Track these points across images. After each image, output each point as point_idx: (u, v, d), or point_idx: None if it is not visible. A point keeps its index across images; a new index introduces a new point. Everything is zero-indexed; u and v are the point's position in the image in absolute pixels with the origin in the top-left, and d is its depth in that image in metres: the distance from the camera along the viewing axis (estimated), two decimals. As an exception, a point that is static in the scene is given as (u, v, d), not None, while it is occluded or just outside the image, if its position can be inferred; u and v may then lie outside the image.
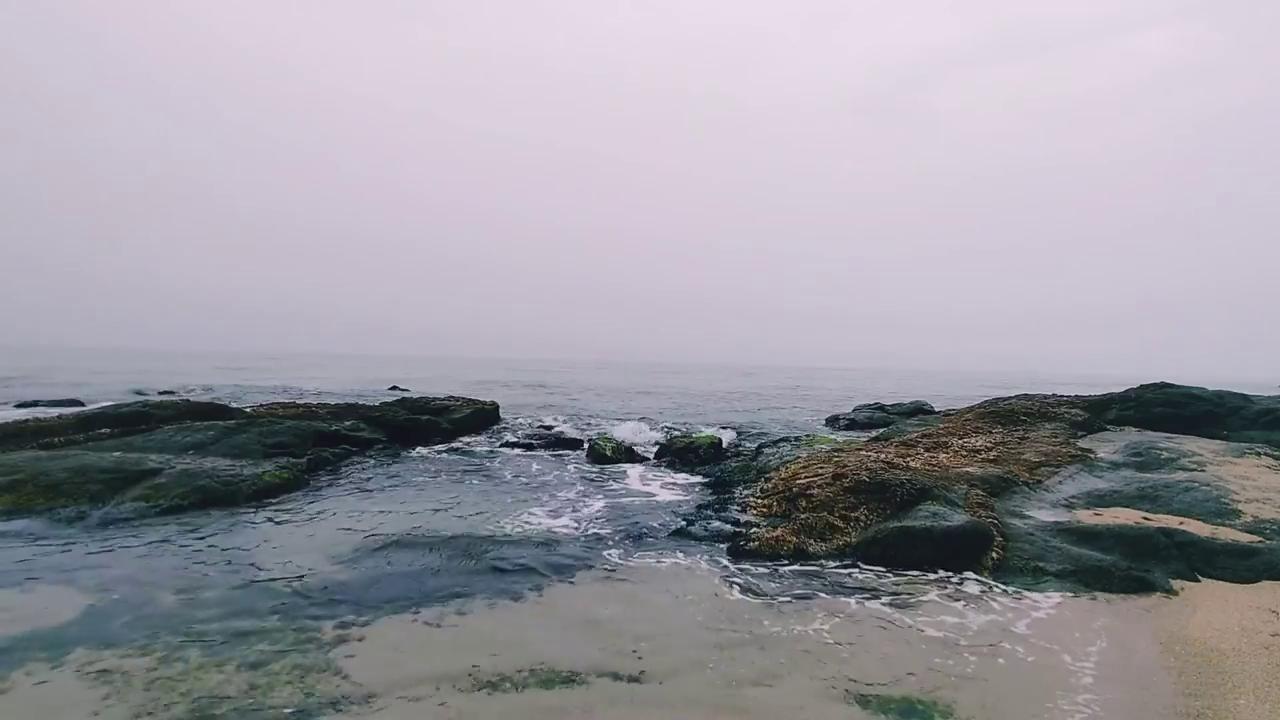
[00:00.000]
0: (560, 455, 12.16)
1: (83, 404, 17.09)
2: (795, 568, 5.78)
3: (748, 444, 13.99)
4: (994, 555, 5.73)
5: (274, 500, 7.73)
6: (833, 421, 20.02)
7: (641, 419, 19.89)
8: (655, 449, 12.85)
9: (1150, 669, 3.94)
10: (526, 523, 7.06)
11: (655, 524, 7.18)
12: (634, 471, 10.66)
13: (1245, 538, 6.05)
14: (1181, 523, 6.43)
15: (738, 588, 5.24)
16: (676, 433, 14.66)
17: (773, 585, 5.31)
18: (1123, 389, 13.82)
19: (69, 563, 5.36)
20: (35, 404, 17.54)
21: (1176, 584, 5.37)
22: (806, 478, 7.72)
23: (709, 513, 7.56)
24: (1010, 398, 15.09)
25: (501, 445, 12.83)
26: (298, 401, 15.04)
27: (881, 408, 21.23)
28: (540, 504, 8.03)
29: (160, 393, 21.20)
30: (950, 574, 5.57)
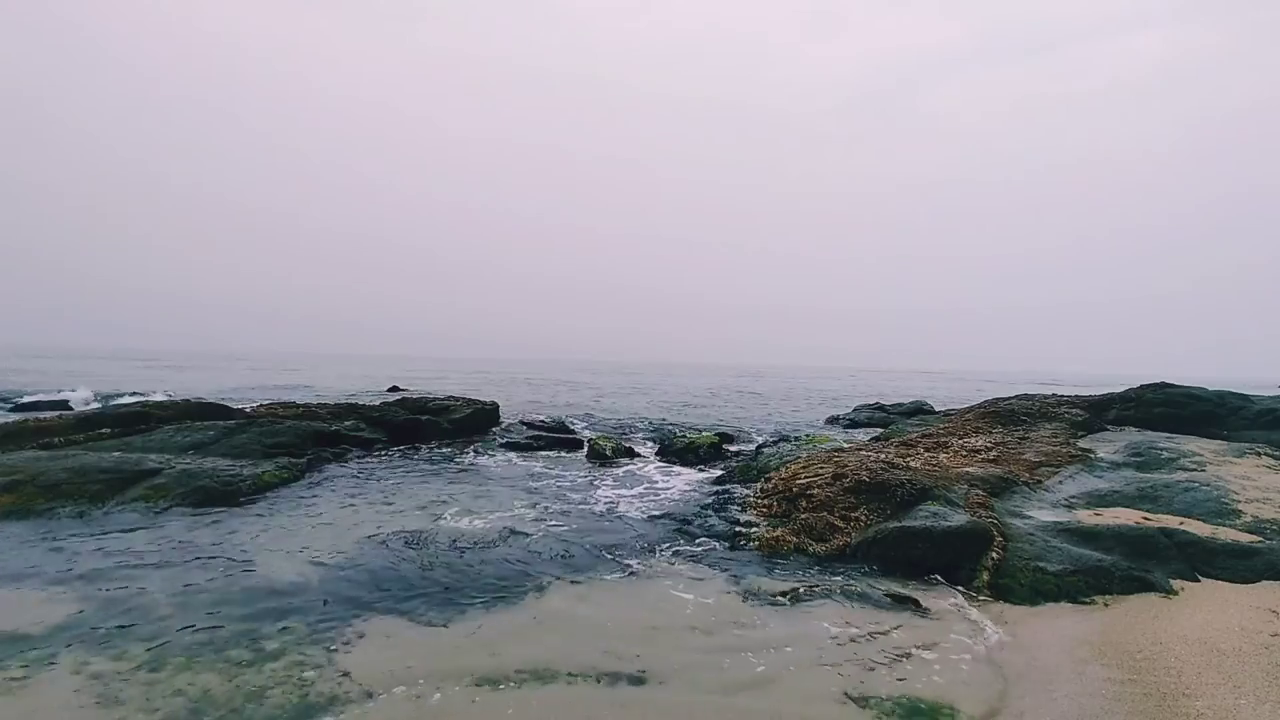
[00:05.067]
0: (560, 455, 12.16)
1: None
2: (795, 568, 5.78)
3: (747, 444, 14.00)
4: (994, 555, 5.72)
5: (274, 500, 7.72)
6: (833, 421, 20.03)
7: (641, 418, 19.90)
8: (655, 449, 12.86)
9: (1150, 669, 3.94)
10: (526, 523, 7.06)
11: (654, 524, 7.17)
12: (634, 472, 10.66)
13: (1245, 538, 6.04)
14: (1182, 523, 6.43)
15: (738, 588, 5.24)
16: (676, 433, 14.66)
17: (773, 586, 5.30)
18: (1123, 389, 13.81)
19: (68, 563, 5.36)
20: (36, 404, 17.55)
21: (1177, 584, 5.36)
22: (806, 478, 7.72)
23: (709, 513, 7.56)
24: (1010, 398, 15.08)
25: (502, 445, 12.83)
26: (298, 401, 15.03)
27: (881, 408, 21.24)
28: (539, 504, 8.02)
29: (160, 393, 21.18)
30: (950, 574, 5.57)
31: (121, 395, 19.99)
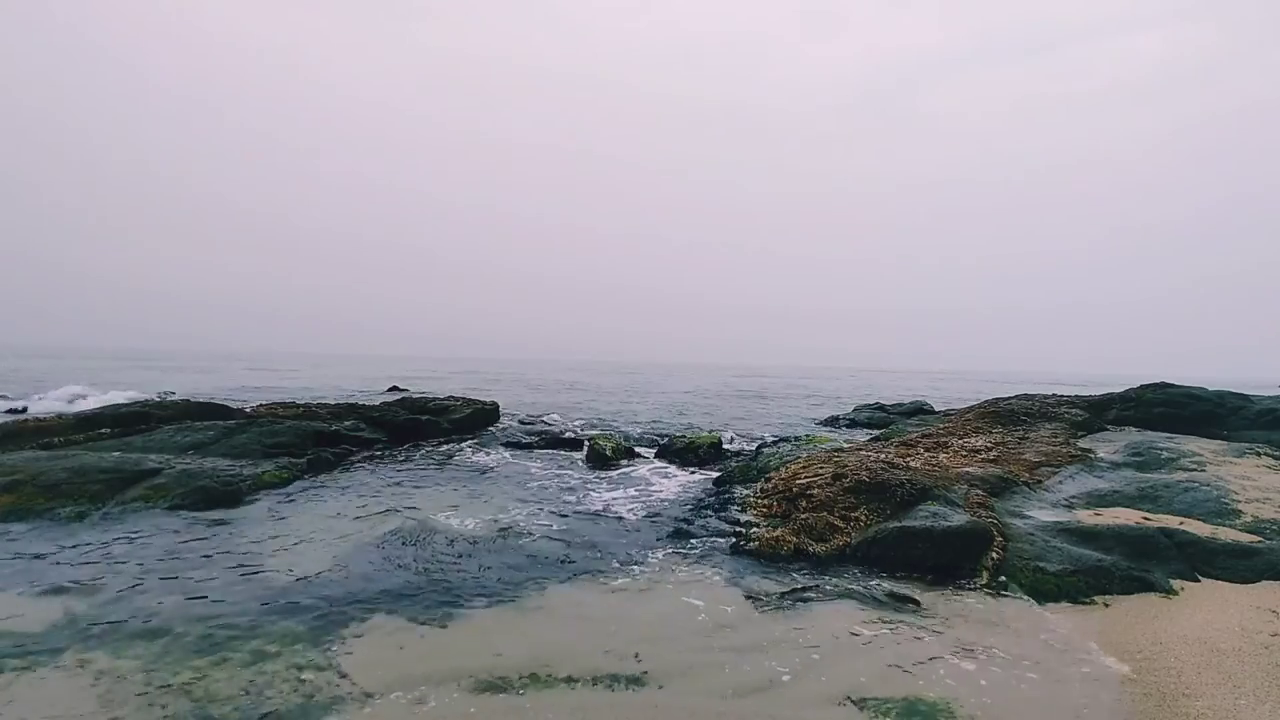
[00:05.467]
0: (560, 455, 12.16)
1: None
2: (795, 568, 5.78)
3: (747, 444, 14.00)
4: (994, 555, 5.72)
5: (274, 500, 7.72)
6: (833, 421, 20.03)
7: (641, 418, 19.91)
8: (655, 449, 12.86)
9: (1150, 669, 3.94)
10: (525, 523, 7.06)
11: (655, 524, 7.17)
12: (634, 472, 10.66)
13: (1245, 538, 6.05)
14: (1182, 523, 6.43)
15: (738, 589, 5.24)
16: (676, 433, 14.66)
17: (773, 586, 5.30)
18: (1123, 389, 13.81)
19: (68, 563, 5.36)
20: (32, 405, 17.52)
21: (1177, 584, 5.37)
22: (806, 478, 7.72)
23: (709, 513, 7.55)
24: (1010, 398, 15.07)
25: (501, 445, 12.83)
26: (298, 401, 15.02)
27: (881, 408, 21.25)
28: (539, 504, 8.02)
29: (160, 393, 21.18)
30: (950, 574, 5.57)
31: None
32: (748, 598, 5.04)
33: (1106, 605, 5.00)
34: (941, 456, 9.30)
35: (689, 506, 8.04)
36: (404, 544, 6.09)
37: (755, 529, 6.64)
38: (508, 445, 12.83)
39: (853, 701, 3.52)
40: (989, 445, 10.16)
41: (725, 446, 12.93)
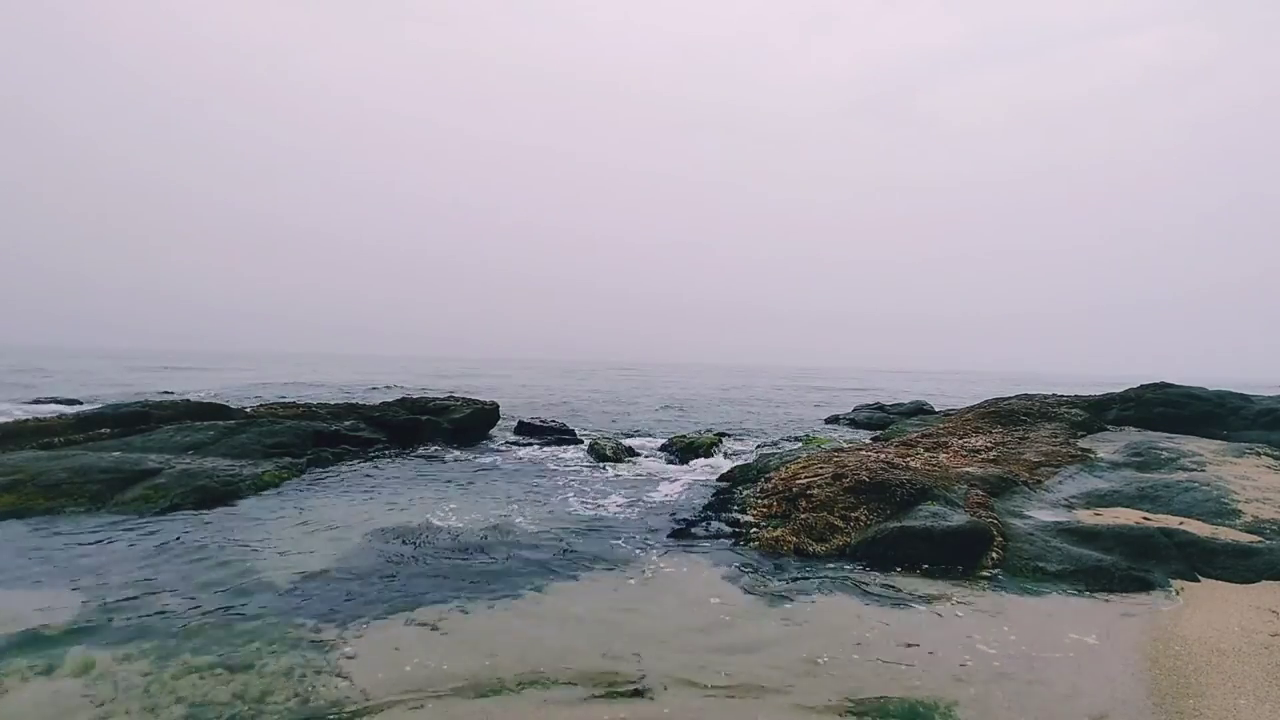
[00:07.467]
0: (561, 455, 12.16)
1: (82, 404, 16.99)
2: (795, 568, 5.78)
3: (748, 444, 14.00)
4: (994, 555, 5.72)
5: (274, 500, 7.72)
6: (833, 421, 20.04)
7: (641, 418, 19.91)
8: (655, 449, 12.86)
9: (1150, 669, 3.94)
10: (526, 523, 7.06)
11: (655, 525, 7.17)
12: (634, 472, 10.66)
13: (1245, 538, 6.05)
14: (1181, 523, 6.43)
15: (737, 589, 5.24)
16: (676, 432, 14.66)
17: (772, 586, 5.30)
18: (1123, 389, 13.80)
19: (67, 563, 5.36)
20: (36, 403, 17.52)
21: (1176, 584, 5.37)
22: (806, 478, 7.72)
23: (709, 513, 7.55)
24: (1010, 398, 15.07)
25: (501, 445, 12.83)
26: (297, 401, 15.02)
27: (881, 408, 21.24)
28: (539, 504, 8.02)
29: (160, 393, 21.18)
30: (950, 574, 5.57)
31: (122, 396, 19.83)
32: (747, 598, 5.04)
33: (1107, 605, 5.00)
34: (941, 456, 9.30)
35: (689, 507, 8.04)
36: (403, 544, 6.09)
37: (755, 529, 6.64)
38: (508, 445, 12.83)
39: (852, 701, 3.52)
40: (989, 445, 10.16)
41: (725, 446, 12.94)
